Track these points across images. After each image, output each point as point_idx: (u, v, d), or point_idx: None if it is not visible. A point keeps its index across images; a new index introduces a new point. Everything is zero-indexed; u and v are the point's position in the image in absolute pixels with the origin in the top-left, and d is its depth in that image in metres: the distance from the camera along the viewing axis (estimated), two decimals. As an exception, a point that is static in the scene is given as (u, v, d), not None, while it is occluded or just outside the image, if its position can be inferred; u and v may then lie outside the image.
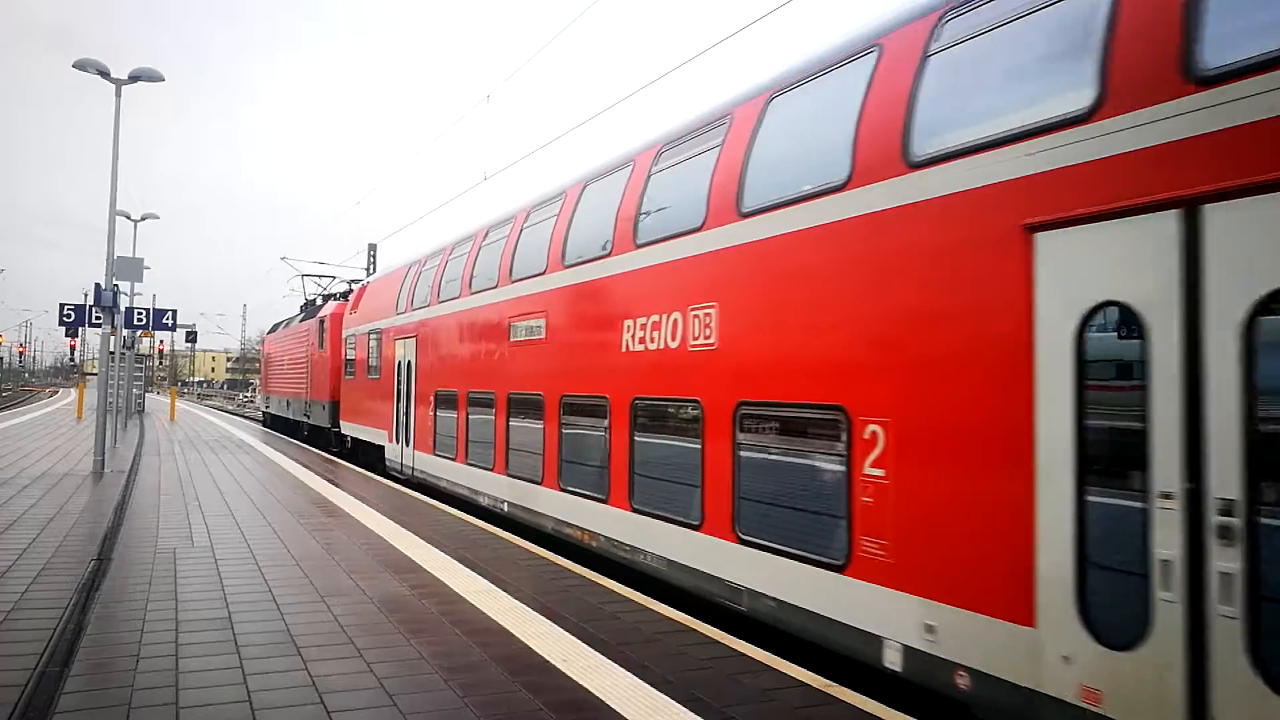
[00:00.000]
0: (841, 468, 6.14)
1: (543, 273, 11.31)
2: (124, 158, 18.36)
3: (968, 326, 5.32)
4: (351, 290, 27.80)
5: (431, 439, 15.80)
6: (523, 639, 6.57)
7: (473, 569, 9.02)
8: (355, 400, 22.24)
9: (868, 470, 5.89)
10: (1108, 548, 4.47)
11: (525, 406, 11.71)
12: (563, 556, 9.70)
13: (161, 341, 60.04)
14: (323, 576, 8.51)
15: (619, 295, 9.43)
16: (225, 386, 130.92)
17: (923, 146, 5.71)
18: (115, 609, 7.14)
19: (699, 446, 7.82)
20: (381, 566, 9.05)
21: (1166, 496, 4.18)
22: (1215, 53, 4.14)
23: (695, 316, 7.97)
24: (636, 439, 8.99)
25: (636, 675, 5.78)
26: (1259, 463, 3.88)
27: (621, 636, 6.70)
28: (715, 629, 6.98)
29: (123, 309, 20.07)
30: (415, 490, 15.58)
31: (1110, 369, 4.62)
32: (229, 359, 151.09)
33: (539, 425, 11.18)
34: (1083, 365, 4.61)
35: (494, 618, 7.15)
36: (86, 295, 19.68)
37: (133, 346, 34.11)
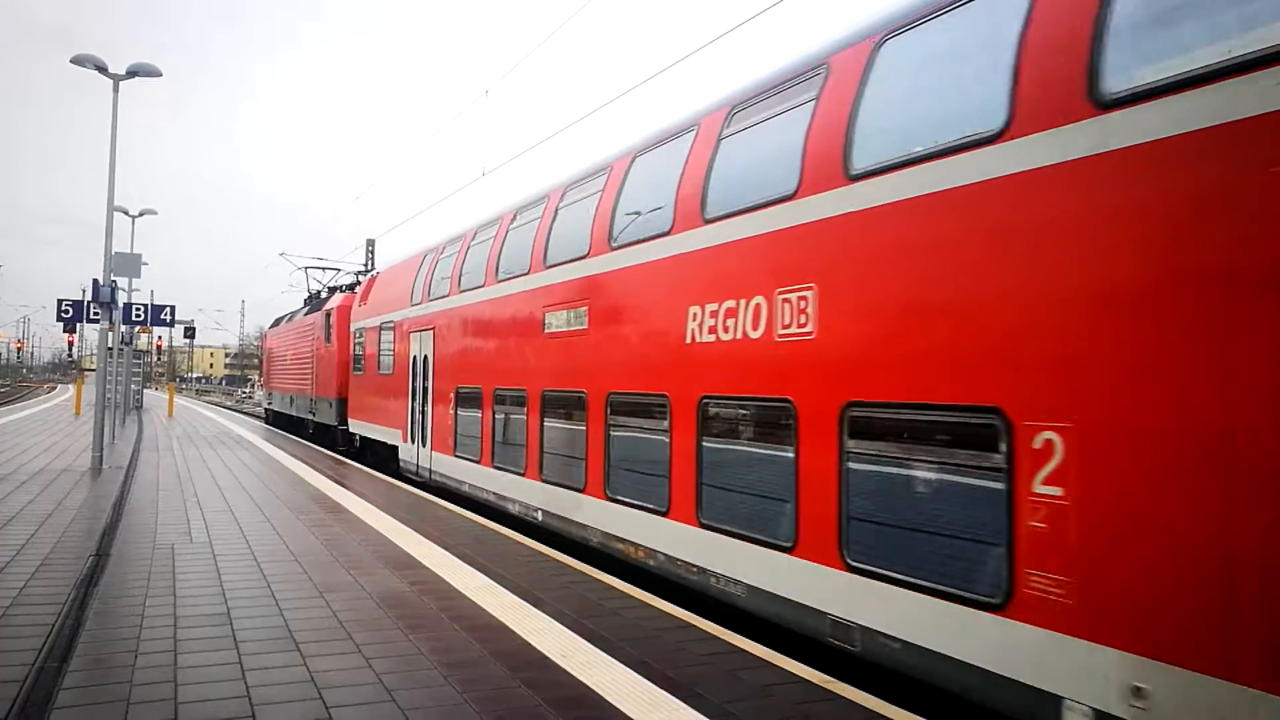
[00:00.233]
0: (998, 485, 4.97)
1: (585, 256, 10.19)
2: (123, 155, 18.33)
3: (1202, 302, 4.08)
4: (359, 282, 26.98)
5: (452, 440, 14.69)
6: (522, 635, 6.56)
7: (472, 565, 9.00)
8: (365, 397, 21.15)
9: (1039, 489, 4.76)
10: None
11: (563, 405, 10.69)
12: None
13: (160, 337, 60.01)
14: (321, 572, 8.50)
15: (682, 279, 8.28)
16: (224, 382, 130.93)
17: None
18: (114, 604, 7.13)
19: (791, 455, 6.64)
20: (381, 563, 9.04)
21: None
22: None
23: (786, 301, 6.77)
24: (706, 444, 7.86)
25: (637, 671, 5.78)
26: None
27: (622, 632, 6.69)
28: (715, 625, 6.97)
29: (121, 305, 20.04)
30: (434, 495, 14.52)
31: None
32: (227, 355, 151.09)
33: (580, 427, 10.10)
34: None
35: (493, 614, 7.14)
36: (85, 291, 19.65)
37: (131, 342, 34.08)
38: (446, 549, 9.83)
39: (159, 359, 78.00)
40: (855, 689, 5.54)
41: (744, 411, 7.60)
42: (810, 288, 6.61)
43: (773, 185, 7.08)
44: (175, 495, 13.65)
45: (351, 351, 22.68)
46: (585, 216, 10.33)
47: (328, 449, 23.46)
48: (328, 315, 25.36)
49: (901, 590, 5.60)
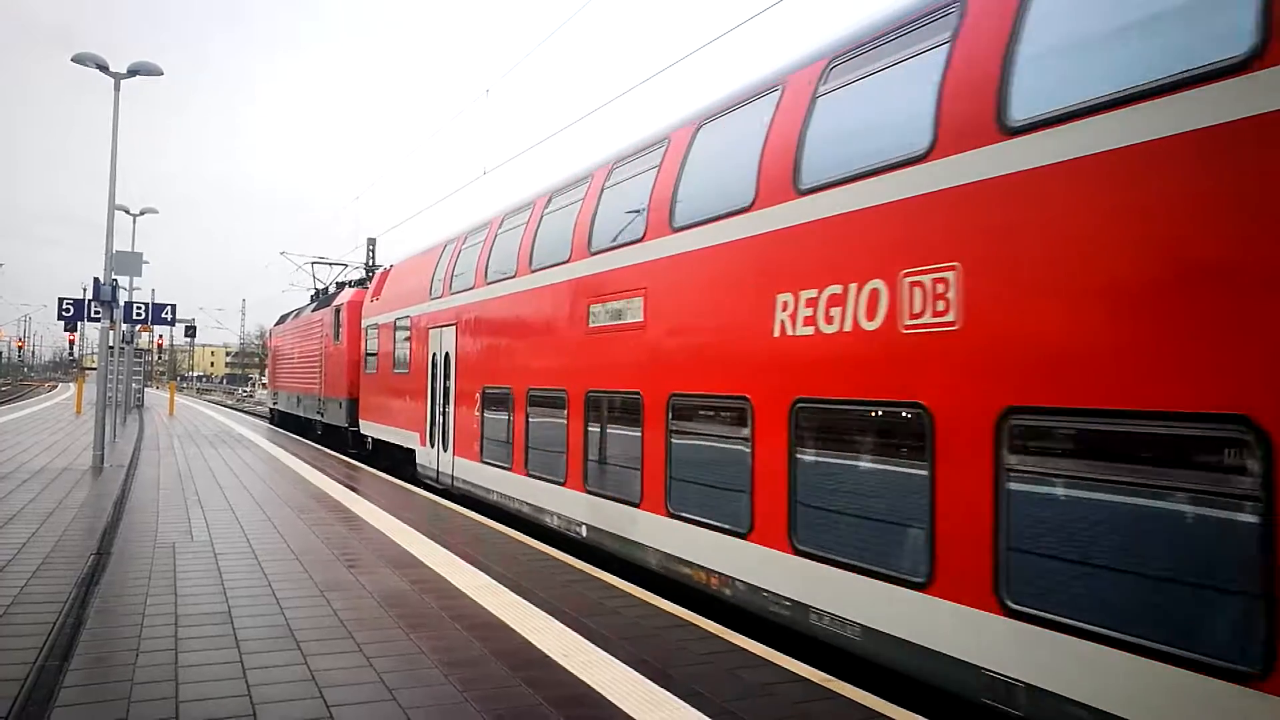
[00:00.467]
0: (1251, 518, 3.92)
1: (640, 239, 9.04)
2: (124, 154, 18.34)
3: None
4: (368, 276, 25.70)
5: (478, 444, 13.48)
6: (523, 634, 6.56)
7: (473, 564, 9.01)
8: (378, 397, 20.00)
9: None
10: None
11: (611, 409, 9.63)
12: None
13: (160, 336, 60.06)
14: (322, 571, 8.50)
15: (768, 261, 7.12)
16: (224, 381, 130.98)
17: None
18: (115, 603, 7.14)
19: (926, 473, 5.48)
20: (382, 561, 9.04)
21: None
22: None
23: (917, 285, 5.63)
24: (800, 457, 6.68)
25: (637, 670, 5.78)
26: None
27: (622, 631, 6.70)
28: (715, 624, 6.98)
29: (122, 304, 20.07)
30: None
31: None
32: (228, 353, 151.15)
33: (634, 433, 8.97)
34: None
35: (494, 613, 7.14)
36: (85, 290, 19.67)
37: (132, 341, 34.11)
38: (446, 548, 9.83)
39: (160, 358, 78.06)
40: (855, 688, 5.55)
41: (856, 418, 6.30)
42: (952, 268, 5.42)
43: (896, 145, 5.95)
44: (176, 494, 13.66)
45: (363, 349, 21.59)
46: (639, 196, 9.18)
47: (336, 451, 22.45)
48: (337, 311, 24.26)
49: (1093, 646, 4.49)
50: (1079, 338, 4.70)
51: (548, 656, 6.04)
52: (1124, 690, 4.35)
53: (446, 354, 15.15)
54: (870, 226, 6.12)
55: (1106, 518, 4.58)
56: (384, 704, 5.09)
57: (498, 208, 14.06)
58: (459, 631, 6.59)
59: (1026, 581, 4.86)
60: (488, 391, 13.19)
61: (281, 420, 33.91)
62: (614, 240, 9.64)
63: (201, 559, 8.89)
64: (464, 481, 14.15)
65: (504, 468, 12.42)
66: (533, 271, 11.75)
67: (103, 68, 17.42)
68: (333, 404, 24.25)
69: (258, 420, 38.79)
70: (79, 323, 28.97)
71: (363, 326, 21.71)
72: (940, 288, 5.52)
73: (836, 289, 6.33)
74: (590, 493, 9.97)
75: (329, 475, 16.87)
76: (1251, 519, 3.92)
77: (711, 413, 8.04)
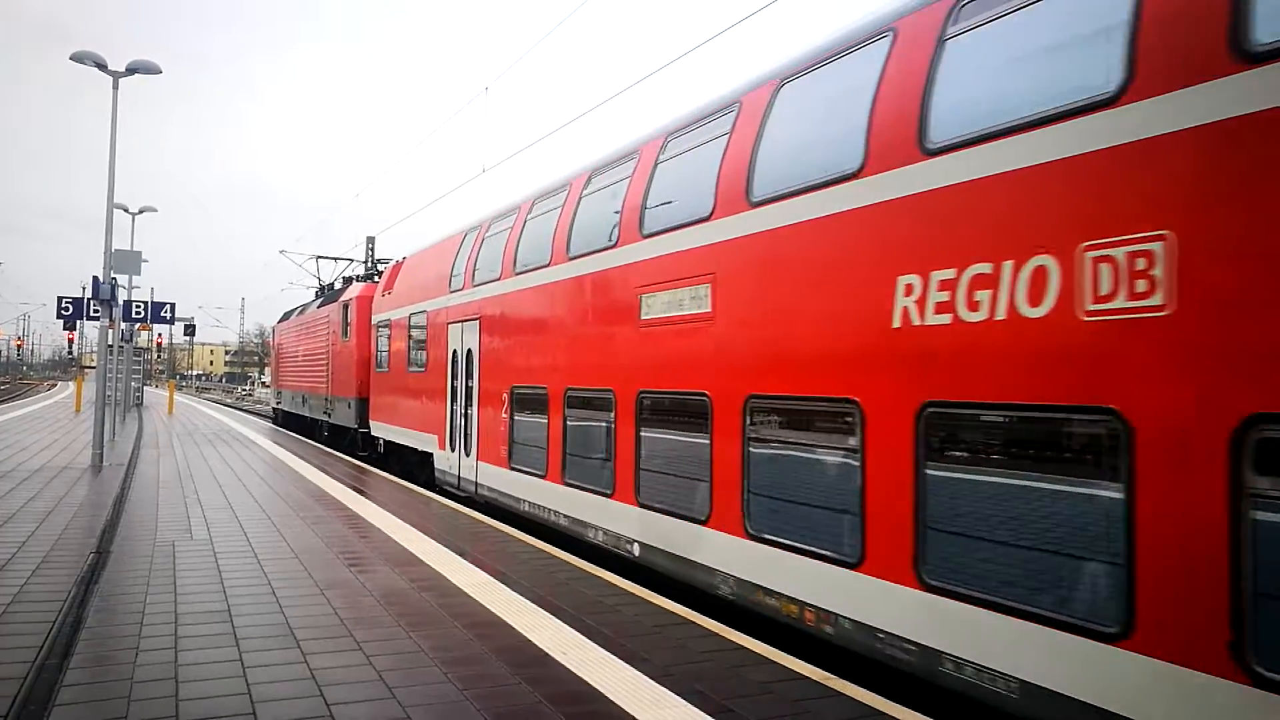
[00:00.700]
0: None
1: (707, 218, 7.96)
2: (123, 152, 18.32)
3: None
4: (378, 270, 24.80)
5: (505, 449, 12.37)
6: (523, 632, 6.56)
7: (473, 562, 9.01)
8: (390, 397, 18.94)
9: None
10: None
11: (672, 412, 8.59)
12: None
13: (160, 335, 60.07)
14: (322, 570, 8.50)
15: (885, 237, 6.00)
16: (224, 380, 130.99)
17: None
18: (114, 602, 7.13)
19: (1121, 496, 4.45)
20: (381, 560, 9.04)
21: None
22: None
23: (1107, 261, 4.59)
24: (935, 473, 5.49)
25: (637, 668, 5.78)
26: None
27: (622, 629, 6.70)
28: (716, 622, 6.98)
29: (121, 302, 20.06)
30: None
31: None
32: (227, 352, 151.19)
33: (699, 440, 7.93)
34: None
35: (494, 611, 7.14)
36: (85, 288, 19.66)
37: (131, 340, 34.11)
38: (445, 546, 9.83)
39: (159, 356, 78.06)
40: (856, 686, 5.55)
41: (1013, 426, 5.18)
42: (1160, 238, 4.36)
43: (1072, 88, 4.91)
44: (175, 493, 13.65)
45: (374, 346, 20.55)
46: (703, 169, 8.15)
47: (344, 453, 21.46)
48: (345, 307, 23.17)
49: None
50: None
51: (547, 654, 6.04)
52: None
53: (469, 351, 14.07)
54: (1037, 190, 5.03)
55: None
56: (384, 702, 5.09)
57: (525, 191, 12.91)
58: (459, 630, 6.59)
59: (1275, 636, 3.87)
60: (518, 392, 12.09)
61: (285, 420, 32.99)
62: (672, 221, 8.57)
63: (201, 557, 8.89)
64: (489, 489, 13.08)
65: (537, 475, 11.32)
66: (571, 259, 10.62)
67: (101, 66, 17.40)
68: (341, 404, 23.32)
69: (258, 419, 38.79)
70: (78, 321, 28.94)
71: (373, 322, 20.75)
72: (1143, 263, 4.45)
73: (985, 268, 5.22)
74: (644, 506, 8.82)
75: (335, 478, 16.73)
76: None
77: (805, 419, 6.87)
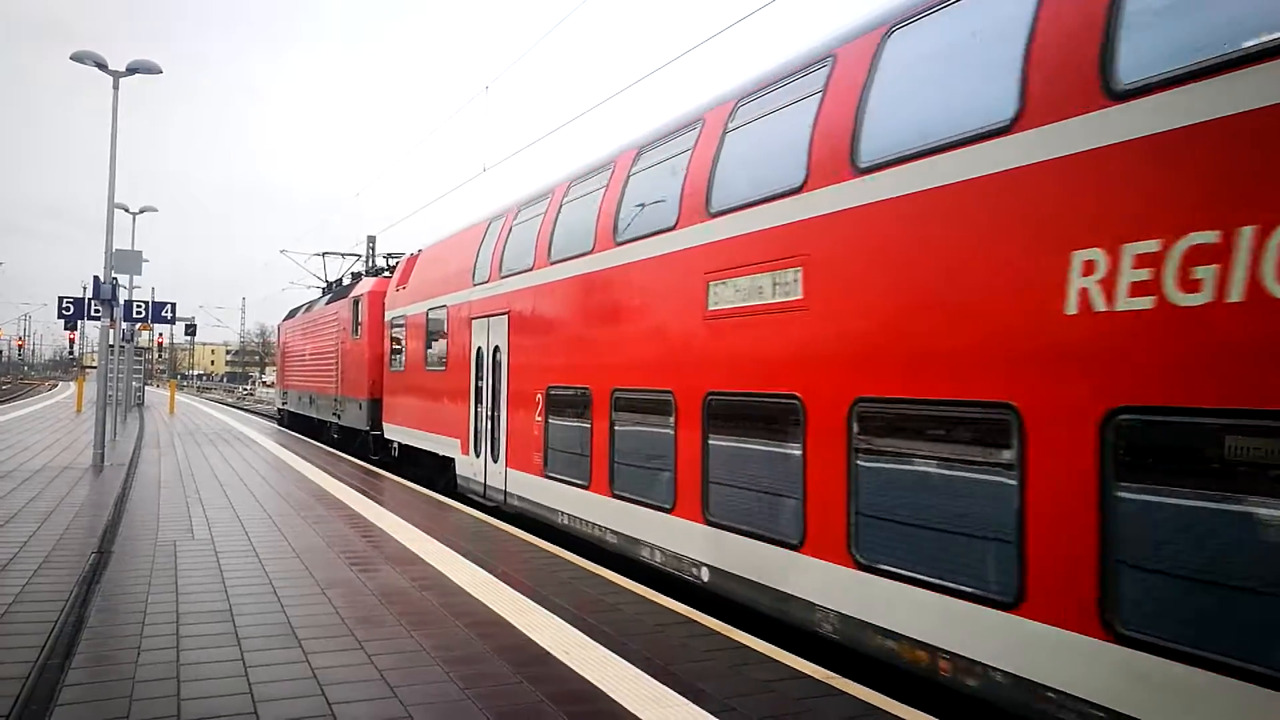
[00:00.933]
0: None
1: (796, 190, 6.86)
2: (124, 153, 18.32)
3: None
4: (388, 265, 23.92)
5: (540, 456, 11.35)
6: (524, 631, 6.56)
7: (474, 561, 9.01)
8: (406, 398, 17.90)
9: None
10: None
11: (749, 418, 7.55)
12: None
13: (161, 334, 60.13)
14: (323, 569, 8.51)
15: (1051, 204, 4.94)
16: (225, 379, 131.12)
17: None
18: (116, 602, 7.14)
19: None
20: (382, 559, 9.04)
21: None
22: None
23: None
24: (1129, 496, 4.46)
25: (638, 667, 5.78)
26: None
27: (623, 628, 6.69)
28: (717, 620, 6.98)
29: (122, 302, 20.07)
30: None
31: None
32: (228, 351, 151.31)
33: (790, 450, 6.79)
34: None
35: (495, 609, 7.14)
36: (85, 288, 19.67)
37: (132, 339, 34.12)
38: (446, 545, 9.83)
39: (160, 356, 78.10)
40: (858, 684, 5.54)
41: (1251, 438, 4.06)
42: None
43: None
44: (177, 492, 13.66)
45: (387, 344, 19.53)
46: (789, 135, 7.10)
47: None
48: (356, 303, 22.11)
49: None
50: None
51: (549, 653, 6.03)
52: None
53: (495, 348, 13.03)
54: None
55: None
56: (386, 701, 5.08)
57: (560, 174, 11.92)
58: (460, 628, 6.59)
59: None
60: (554, 393, 11.08)
61: (291, 421, 31.80)
62: (749, 196, 7.48)
63: (203, 557, 8.89)
64: (521, 499, 11.98)
65: (579, 485, 10.26)
66: (618, 245, 9.59)
67: (101, 66, 17.40)
68: (351, 404, 22.24)
69: (260, 419, 38.79)
70: (79, 321, 29.00)
71: (386, 319, 19.71)
72: None
73: (1207, 237, 4.20)
74: (715, 525, 7.69)
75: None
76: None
77: (938, 427, 5.68)
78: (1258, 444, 4.05)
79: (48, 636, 6.12)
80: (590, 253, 10.25)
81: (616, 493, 9.43)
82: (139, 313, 21.75)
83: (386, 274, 22.58)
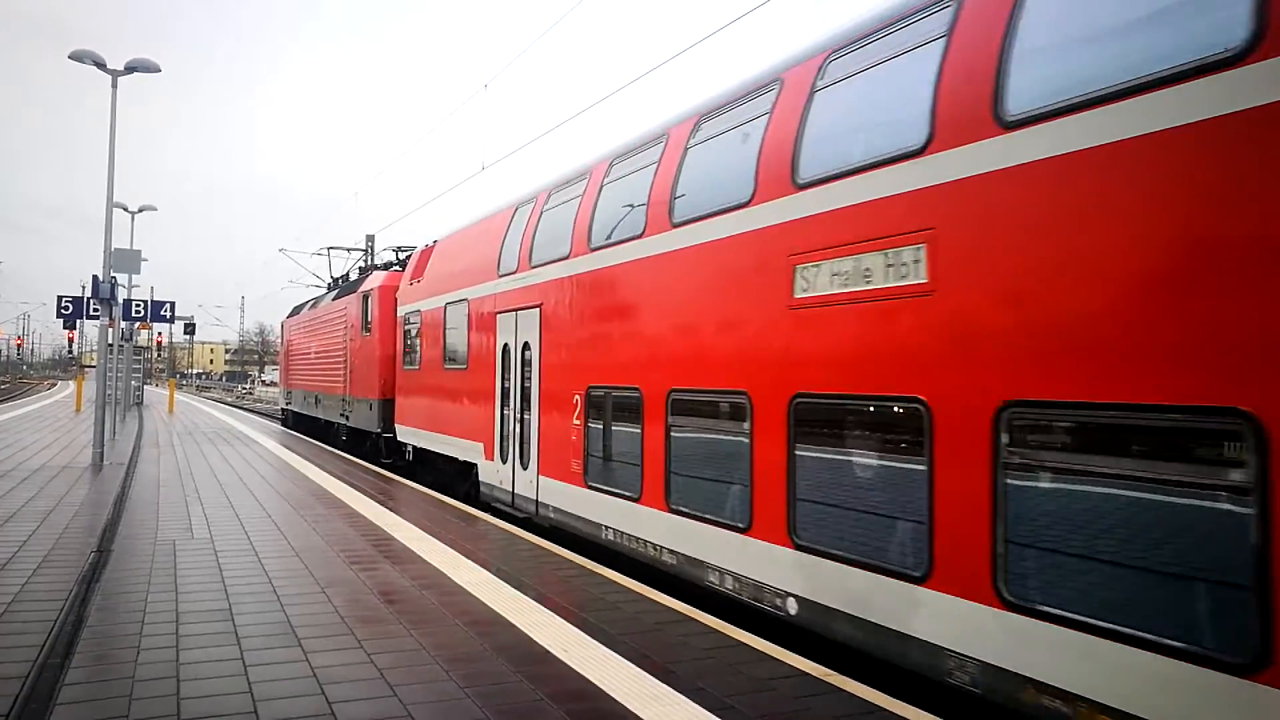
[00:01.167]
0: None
1: (920, 152, 5.75)
2: (123, 152, 18.32)
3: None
4: (399, 260, 22.87)
5: (579, 463, 10.33)
6: (524, 629, 6.56)
7: (473, 560, 9.01)
8: (421, 399, 16.96)
9: None
10: None
11: (851, 425, 6.45)
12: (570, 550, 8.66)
13: (160, 334, 60.07)
14: (323, 568, 8.51)
15: None
16: (224, 378, 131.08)
17: None
18: (116, 601, 7.14)
19: None
20: (382, 558, 9.05)
21: None
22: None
23: None
24: None
25: (638, 665, 5.78)
26: None
27: (623, 627, 6.70)
28: (716, 619, 6.98)
29: (121, 301, 20.05)
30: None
31: None
32: (227, 351, 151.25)
33: (911, 464, 5.71)
34: None
35: (495, 608, 7.14)
36: (84, 287, 19.67)
37: (131, 339, 34.12)
38: (446, 544, 9.83)
39: (159, 355, 78.06)
40: (857, 682, 5.55)
41: None
42: None
43: None
44: (176, 491, 13.65)
45: (400, 341, 18.53)
46: (902, 89, 6.16)
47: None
48: (366, 298, 21.04)
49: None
50: None
51: (548, 652, 6.04)
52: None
53: (525, 344, 12.00)
54: None
55: None
56: (385, 700, 5.09)
57: (600, 151, 10.95)
58: (459, 627, 6.60)
59: None
60: (596, 393, 10.12)
61: (296, 422, 30.67)
62: (851, 163, 6.43)
63: (202, 556, 8.89)
64: (556, 510, 10.93)
65: (627, 498, 9.24)
66: (675, 227, 8.61)
67: (100, 65, 17.38)
68: (361, 405, 21.16)
69: (260, 419, 38.78)
70: (78, 320, 28.93)
71: (399, 314, 18.70)
72: None
73: None
74: (807, 550, 6.61)
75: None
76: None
77: (1143, 442, 4.55)
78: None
79: (47, 635, 6.13)
80: (640, 237, 9.18)
81: (674, 507, 8.40)
82: (138, 312, 21.77)
83: (397, 268, 21.73)
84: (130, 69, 17.58)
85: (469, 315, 14.27)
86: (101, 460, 17.20)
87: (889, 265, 5.97)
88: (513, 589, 7.80)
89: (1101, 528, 4.60)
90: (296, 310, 33.08)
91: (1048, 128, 4.93)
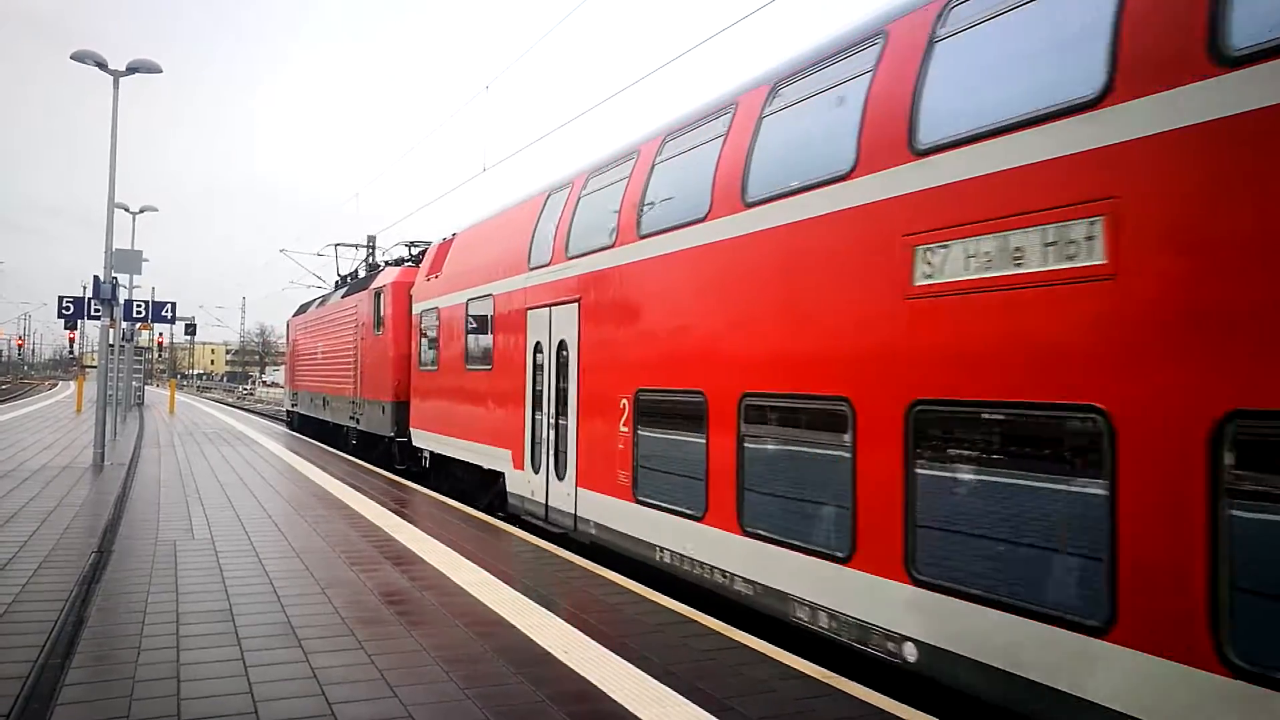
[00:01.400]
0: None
1: (1097, 102, 4.62)
2: (124, 152, 18.32)
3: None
4: (411, 253, 21.63)
5: (628, 474, 9.22)
6: (524, 630, 6.56)
7: (474, 561, 9.01)
8: (440, 401, 15.82)
9: None
10: None
11: (993, 439, 5.27)
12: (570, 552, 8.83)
13: (161, 334, 60.09)
14: (323, 569, 8.51)
15: None
16: (225, 379, 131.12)
17: None
18: (116, 601, 7.14)
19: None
20: (382, 559, 9.05)
21: None
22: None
23: None
24: None
25: (638, 667, 5.78)
26: None
27: (623, 628, 6.70)
28: (717, 620, 6.98)
29: (122, 301, 20.06)
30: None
31: None
32: (228, 351, 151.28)
33: (1090, 488, 4.57)
34: None
35: (495, 609, 7.14)
36: (85, 288, 19.67)
37: (132, 339, 34.13)
38: (447, 545, 9.83)
39: (160, 356, 78.04)
40: (857, 684, 5.54)
41: None
42: None
43: None
44: (177, 492, 13.66)
45: (415, 340, 17.48)
46: (1075, 28, 4.98)
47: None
48: (378, 295, 20.00)
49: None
50: None
51: (549, 653, 6.04)
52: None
53: (560, 342, 10.94)
54: None
55: None
56: (386, 701, 5.09)
57: (650, 127, 9.87)
58: (460, 628, 6.59)
59: None
60: (647, 397, 9.03)
61: (302, 425, 29.52)
62: (994, 119, 5.25)
63: (202, 556, 8.89)
64: (599, 526, 9.86)
65: (687, 516, 8.17)
66: (749, 207, 7.53)
67: (101, 65, 17.40)
68: (372, 408, 20.09)
69: (261, 419, 38.80)
70: (79, 321, 28.99)
71: (415, 312, 17.61)
72: None
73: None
74: (930, 587, 5.47)
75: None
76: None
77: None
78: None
79: (48, 636, 6.13)
80: (704, 219, 8.12)
81: (748, 529, 7.31)
82: (139, 312, 21.75)
83: (410, 263, 20.64)
84: (132, 69, 17.59)
85: (494, 312, 13.17)
86: (102, 461, 17.21)
87: (1046, 244, 4.86)
88: (513, 590, 7.79)
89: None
90: (303, 309, 31.96)
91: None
